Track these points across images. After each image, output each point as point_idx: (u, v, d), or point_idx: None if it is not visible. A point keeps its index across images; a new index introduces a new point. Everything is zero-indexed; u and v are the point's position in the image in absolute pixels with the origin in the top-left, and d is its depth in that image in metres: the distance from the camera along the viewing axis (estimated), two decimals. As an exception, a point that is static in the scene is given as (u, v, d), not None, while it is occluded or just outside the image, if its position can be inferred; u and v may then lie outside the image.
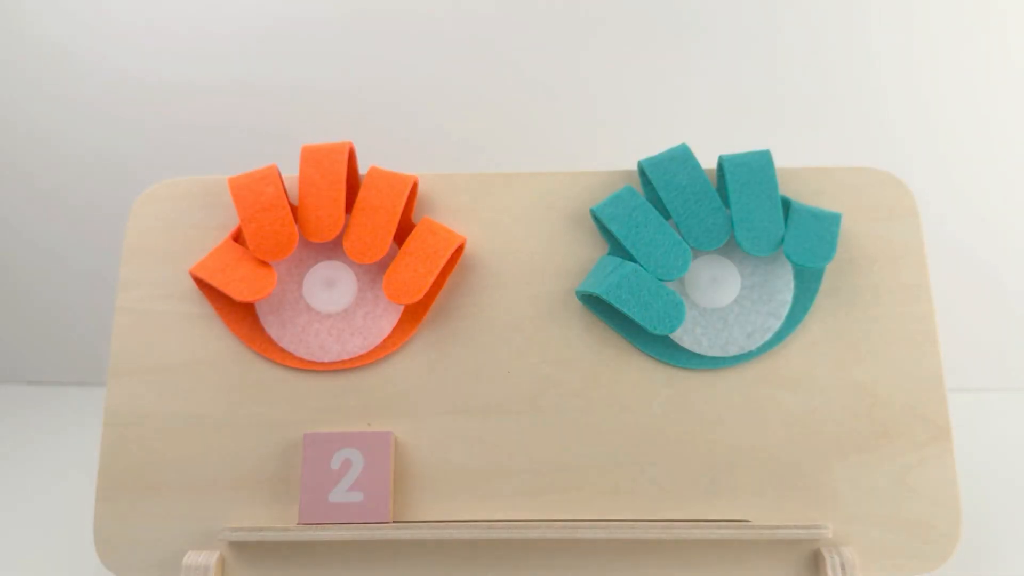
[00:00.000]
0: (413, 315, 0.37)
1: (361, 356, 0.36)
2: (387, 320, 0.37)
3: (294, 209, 0.37)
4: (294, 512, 0.34)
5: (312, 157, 0.37)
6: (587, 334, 0.36)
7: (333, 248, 0.38)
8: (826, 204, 0.38)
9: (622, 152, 0.40)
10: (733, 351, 0.36)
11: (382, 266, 0.37)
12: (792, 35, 0.58)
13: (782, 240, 0.36)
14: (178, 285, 0.37)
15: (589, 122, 0.60)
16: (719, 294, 0.36)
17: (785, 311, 0.36)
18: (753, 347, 0.36)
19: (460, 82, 0.59)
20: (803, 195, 0.38)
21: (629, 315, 0.34)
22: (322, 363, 0.36)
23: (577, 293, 0.37)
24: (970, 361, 0.56)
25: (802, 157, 0.40)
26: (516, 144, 0.60)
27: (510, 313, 0.37)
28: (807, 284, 0.37)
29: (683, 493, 0.34)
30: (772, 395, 0.35)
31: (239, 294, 0.35)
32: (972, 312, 0.59)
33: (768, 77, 0.59)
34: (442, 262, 0.35)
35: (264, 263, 0.36)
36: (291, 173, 0.37)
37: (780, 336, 0.36)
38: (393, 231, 0.36)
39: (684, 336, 0.36)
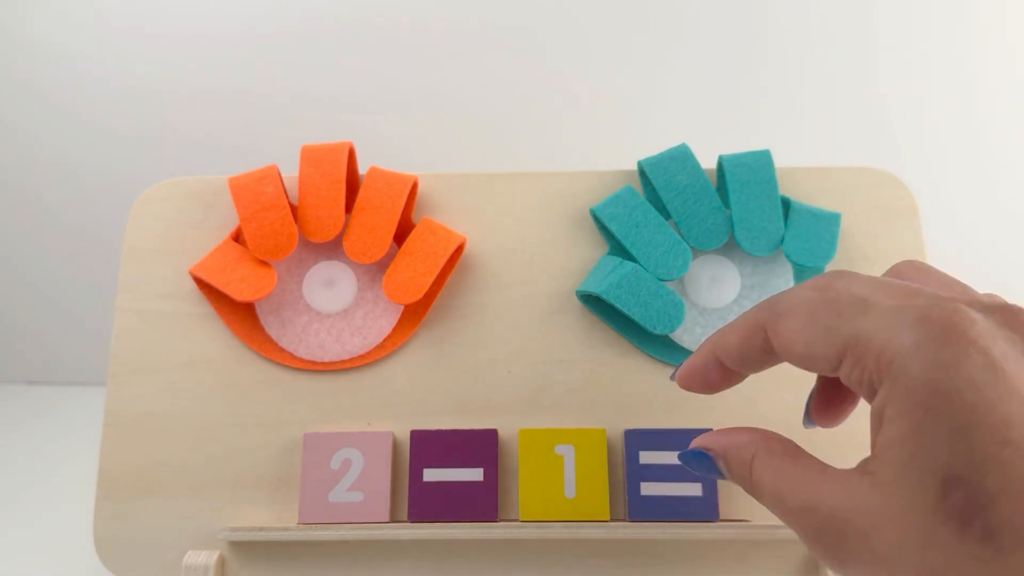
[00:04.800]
0: (413, 315, 0.37)
1: (361, 356, 0.36)
2: (387, 320, 0.37)
3: (294, 209, 0.37)
4: (294, 512, 0.34)
5: (312, 157, 0.37)
6: (587, 334, 0.36)
7: (333, 248, 0.38)
8: (826, 204, 0.38)
9: (622, 152, 0.40)
10: (733, 351, 0.36)
11: (382, 266, 0.37)
12: (792, 35, 0.58)
13: (782, 240, 0.36)
14: (178, 285, 0.37)
15: (589, 122, 0.59)
16: (719, 294, 0.36)
17: (785, 311, 0.36)
18: (753, 347, 0.36)
19: (460, 82, 0.59)
20: (803, 195, 0.38)
21: (629, 315, 0.34)
22: (322, 363, 0.36)
23: (577, 293, 0.36)
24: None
25: (802, 157, 0.40)
26: (516, 144, 0.60)
27: (510, 313, 0.37)
28: (807, 284, 0.37)
29: (683, 493, 0.34)
30: (772, 395, 0.35)
31: (239, 294, 0.35)
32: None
33: (768, 77, 0.59)
34: (442, 262, 0.35)
35: (264, 263, 0.36)
36: (291, 173, 0.37)
37: (780, 336, 0.36)
38: (393, 231, 0.36)
39: (684, 336, 0.36)
